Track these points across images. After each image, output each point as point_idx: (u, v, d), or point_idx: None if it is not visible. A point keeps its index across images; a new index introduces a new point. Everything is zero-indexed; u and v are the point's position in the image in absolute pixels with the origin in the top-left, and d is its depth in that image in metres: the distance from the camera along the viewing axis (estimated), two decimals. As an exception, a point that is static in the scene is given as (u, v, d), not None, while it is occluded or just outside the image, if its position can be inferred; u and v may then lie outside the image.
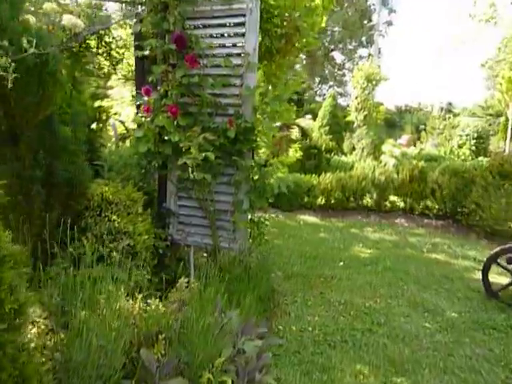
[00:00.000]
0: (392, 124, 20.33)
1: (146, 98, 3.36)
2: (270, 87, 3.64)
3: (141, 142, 3.22)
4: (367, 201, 7.54)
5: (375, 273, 4.47)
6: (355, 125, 11.78)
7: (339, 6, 32.27)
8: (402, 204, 7.46)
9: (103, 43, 4.99)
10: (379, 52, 31.04)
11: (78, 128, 2.64)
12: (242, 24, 3.31)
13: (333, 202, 7.50)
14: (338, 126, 12.57)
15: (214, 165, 3.26)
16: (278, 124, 10.71)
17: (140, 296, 2.23)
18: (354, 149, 12.33)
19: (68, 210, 2.69)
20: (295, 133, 12.69)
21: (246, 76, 3.32)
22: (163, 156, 3.36)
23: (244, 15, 3.29)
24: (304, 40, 5.02)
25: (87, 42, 4.99)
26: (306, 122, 13.94)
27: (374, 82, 11.22)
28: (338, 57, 35.15)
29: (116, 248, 2.62)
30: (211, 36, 3.45)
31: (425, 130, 13.85)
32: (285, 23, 3.49)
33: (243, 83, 3.33)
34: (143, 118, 3.24)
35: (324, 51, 34.86)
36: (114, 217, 2.85)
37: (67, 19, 4.61)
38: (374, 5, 31.63)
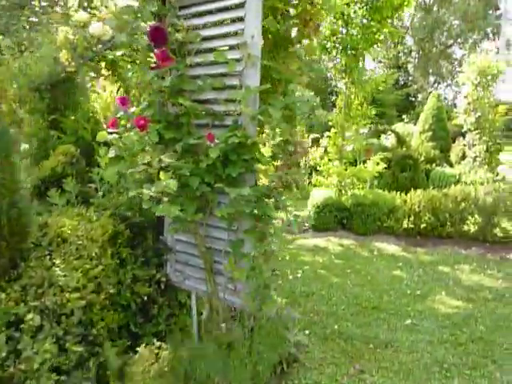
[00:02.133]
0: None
1: (130, 110, 2.73)
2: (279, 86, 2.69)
3: (111, 164, 2.58)
4: (469, 227, 5.88)
5: (456, 344, 3.12)
6: (465, 129, 9.75)
7: (459, -4, 28.84)
8: (518, 233, 5.64)
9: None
10: (508, 44, 26.70)
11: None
12: (241, 5, 2.47)
13: (422, 226, 6.02)
14: (444, 131, 10.62)
15: (201, 193, 2.47)
16: (365, 131, 9.43)
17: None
18: (464, 158, 10.28)
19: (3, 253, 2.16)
20: (391, 140, 11.17)
21: (245, 73, 2.47)
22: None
23: (243, -8, 2.45)
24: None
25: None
26: (404, 127, 12.22)
27: (489, 77, 9.14)
28: (458, 53, 31.44)
29: (37, 307, 1.99)
30: (206, 26, 2.68)
31: None
32: (301, -4, 2.53)
33: (242, 83, 2.48)
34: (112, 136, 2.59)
35: (440, 47, 31.52)
36: (58, 261, 2.25)
37: (94, 27, 4.29)
38: (501, -10, 27.64)
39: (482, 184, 8.52)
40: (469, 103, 9.50)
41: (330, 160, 6.64)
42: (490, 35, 29.42)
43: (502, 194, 5.64)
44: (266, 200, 2.51)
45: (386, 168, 7.34)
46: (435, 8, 30.95)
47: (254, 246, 2.48)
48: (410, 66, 33.29)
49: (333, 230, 6.42)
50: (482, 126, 9.38)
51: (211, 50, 2.60)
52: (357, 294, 4.06)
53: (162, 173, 2.28)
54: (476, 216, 5.85)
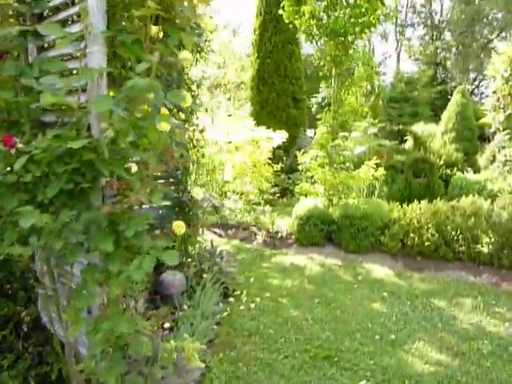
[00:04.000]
0: None
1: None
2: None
3: None
4: (480, 248, 4.84)
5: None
6: (493, 129, 8.54)
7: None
8: (543, 259, 4.55)
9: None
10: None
11: None
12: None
13: (425, 245, 5.04)
14: (470, 131, 9.39)
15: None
16: (374, 130, 8.47)
17: None
18: (493, 162, 9.05)
19: None
20: (409, 141, 10.12)
21: (87, 52, 1.76)
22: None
23: None
24: None
25: None
26: (425, 127, 11.04)
27: (523, 69, 7.90)
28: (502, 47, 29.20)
29: None
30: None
31: None
32: None
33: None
34: None
35: (481, 42, 29.48)
36: None
37: None
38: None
39: (510, 193, 7.37)
40: (498, 99, 8.28)
41: (320, 165, 5.77)
42: (539, 27, 27.02)
43: (521, 209, 4.58)
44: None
45: (384, 173, 6.37)
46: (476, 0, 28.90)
47: (93, 291, 1.76)
48: (449, 63, 31.45)
49: (320, 246, 5.55)
50: (514, 125, 8.14)
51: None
52: (313, 335, 3.22)
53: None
54: (491, 235, 4.81)
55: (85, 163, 1.70)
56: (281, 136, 8.95)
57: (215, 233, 6.64)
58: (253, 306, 3.78)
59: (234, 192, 8.83)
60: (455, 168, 8.48)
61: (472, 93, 27.83)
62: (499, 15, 27.63)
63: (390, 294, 4.09)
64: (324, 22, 4.76)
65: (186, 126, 3.93)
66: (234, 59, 11.53)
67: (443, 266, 4.86)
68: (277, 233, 6.13)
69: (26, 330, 2.37)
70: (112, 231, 1.70)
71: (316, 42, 5.21)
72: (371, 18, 4.86)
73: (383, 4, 4.77)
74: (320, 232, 5.48)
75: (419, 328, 3.37)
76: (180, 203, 4.06)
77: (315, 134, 13.81)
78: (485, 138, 10.72)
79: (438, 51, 32.05)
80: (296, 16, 5.05)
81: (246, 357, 2.93)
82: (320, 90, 21.78)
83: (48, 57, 2.02)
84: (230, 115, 12.83)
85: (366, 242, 5.24)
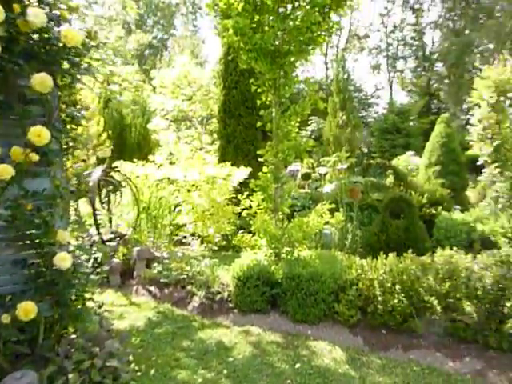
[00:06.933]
0: None
1: None
2: None
3: None
4: (462, 318, 3.71)
5: None
6: (480, 161, 7.55)
7: (488, 17, 26.73)
8: (544, 337, 3.41)
9: None
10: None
11: None
12: None
13: (391, 314, 3.91)
14: (457, 164, 8.41)
15: None
16: (344, 166, 7.52)
17: None
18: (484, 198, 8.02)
19: None
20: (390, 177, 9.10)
21: None
22: None
23: None
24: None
25: None
26: (412, 159, 10.10)
27: (511, 95, 7.02)
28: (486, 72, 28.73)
29: None
30: None
31: None
32: None
33: None
34: None
35: (473, 72, 29.15)
36: None
37: None
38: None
39: (504, 236, 6.30)
40: (484, 128, 7.35)
41: (264, 211, 4.74)
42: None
43: (510, 271, 3.47)
44: None
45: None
46: (467, 31, 28.83)
47: None
48: (442, 94, 31.34)
49: (263, 313, 4.40)
50: (504, 157, 7.17)
51: None
52: None
53: None
54: (474, 303, 3.69)
55: None
56: (243, 173, 8.00)
57: (150, 292, 5.54)
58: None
59: (194, 235, 7.84)
60: (440, 206, 7.42)
61: (467, 123, 27.15)
62: (490, 46, 27.43)
63: (332, 396, 2.94)
64: (250, 38, 3.86)
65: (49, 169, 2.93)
66: (202, 91, 10.77)
67: (414, 343, 3.71)
68: (217, 293, 5.01)
69: None
70: None
71: (248, 64, 4.30)
72: (313, 35, 3.96)
73: (325, 18, 3.85)
74: (262, 296, 4.36)
75: None
76: (43, 273, 3.01)
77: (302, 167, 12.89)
78: (477, 171, 9.76)
79: (431, 82, 31.95)
80: (224, 33, 4.19)
81: None
82: (309, 122, 21.02)
83: None
84: (200, 149, 11.98)
85: (316, 309, 4.10)
